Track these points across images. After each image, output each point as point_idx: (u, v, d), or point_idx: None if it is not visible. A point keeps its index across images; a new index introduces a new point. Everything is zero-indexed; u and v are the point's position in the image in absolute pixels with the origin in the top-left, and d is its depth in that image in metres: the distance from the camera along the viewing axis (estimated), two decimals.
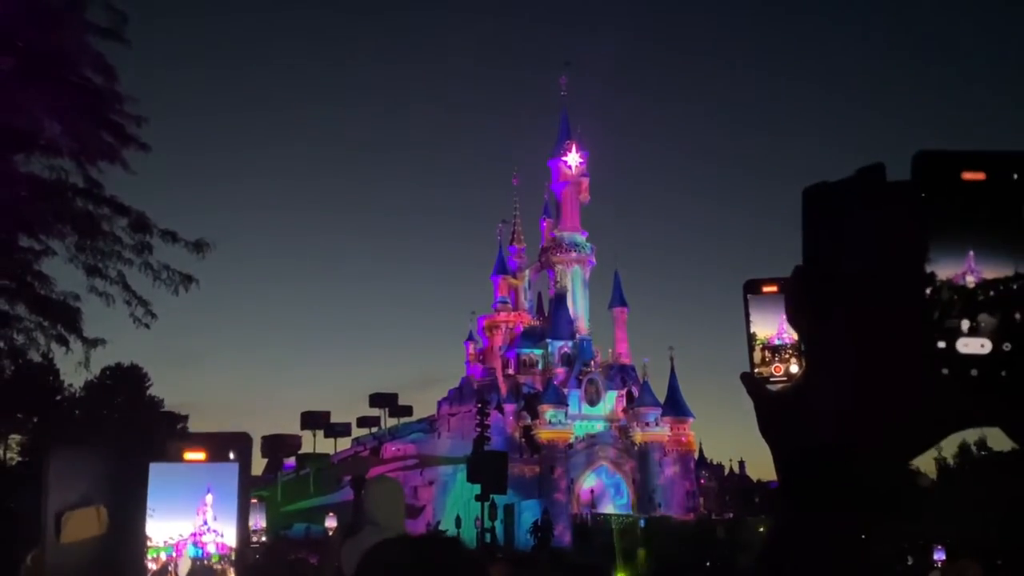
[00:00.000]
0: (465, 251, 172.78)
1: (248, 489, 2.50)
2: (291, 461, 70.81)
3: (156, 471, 2.49)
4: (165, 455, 2.55)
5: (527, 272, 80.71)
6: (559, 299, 73.95)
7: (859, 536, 0.78)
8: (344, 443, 71.14)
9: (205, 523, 2.44)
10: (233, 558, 2.32)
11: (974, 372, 0.71)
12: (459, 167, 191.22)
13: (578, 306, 74.88)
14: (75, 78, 14.18)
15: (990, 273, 0.72)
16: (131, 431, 46.55)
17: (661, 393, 71.65)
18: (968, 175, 0.73)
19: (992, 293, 0.72)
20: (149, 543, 2.41)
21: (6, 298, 14.39)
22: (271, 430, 66.68)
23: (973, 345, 0.71)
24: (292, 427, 69.63)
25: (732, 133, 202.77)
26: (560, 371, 70.98)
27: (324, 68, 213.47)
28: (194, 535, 2.47)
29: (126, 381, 52.62)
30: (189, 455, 2.54)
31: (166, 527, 2.44)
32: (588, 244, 76.83)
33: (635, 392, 71.86)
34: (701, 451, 76.42)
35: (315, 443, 69.29)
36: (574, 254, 75.53)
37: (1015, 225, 0.72)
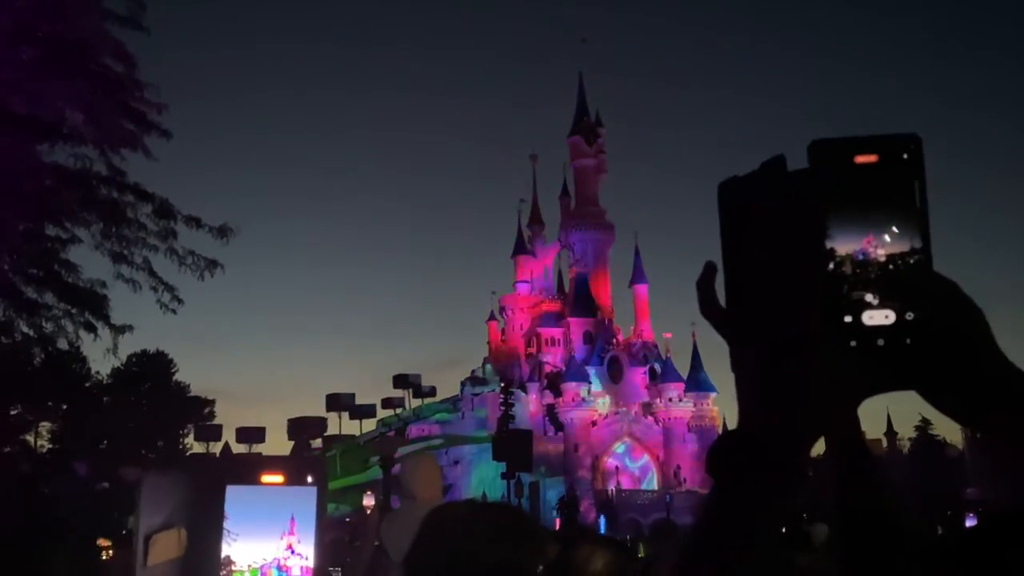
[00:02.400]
0: (486, 231, 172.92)
1: (325, 511, 2.56)
2: (318, 443, 71.45)
3: (234, 493, 2.54)
4: (242, 478, 2.60)
5: (547, 251, 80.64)
6: (580, 277, 73.90)
7: (765, 511, 0.80)
8: (369, 424, 71.67)
9: (290, 547, 2.49)
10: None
11: (880, 342, 0.76)
12: (477, 147, 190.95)
13: (599, 284, 74.78)
14: (95, 67, 14.26)
15: (889, 248, 0.76)
16: (162, 419, 47.11)
17: (684, 369, 71.63)
18: (861, 158, 0.78)
19: (891, 267, 0.76)
20: (233, 567, 2.46)
21: (34, 287, 14.54)
22: (296, 412, 67.06)
23: (878, 317, 0.76)
24: (317, 409, 70.13)
25: (753, 106, 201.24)
26: (582, 349, 71.04)
27: (344, 50, 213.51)
28: (278, 559, 2.51)
29: (153, 367, 53.18)
30: (267, 478, 2.59)
31: (250, 549, 2.49)
32: (608, 222, 76.62)
33: (658, 369, 71.85)
34: (725, 426, 76.38)
35: (340, 425, 69.87)
36: (593, 232, 75.35)
37: (908, 202, 0.77)
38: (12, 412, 37.93)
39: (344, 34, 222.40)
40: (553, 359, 70.98)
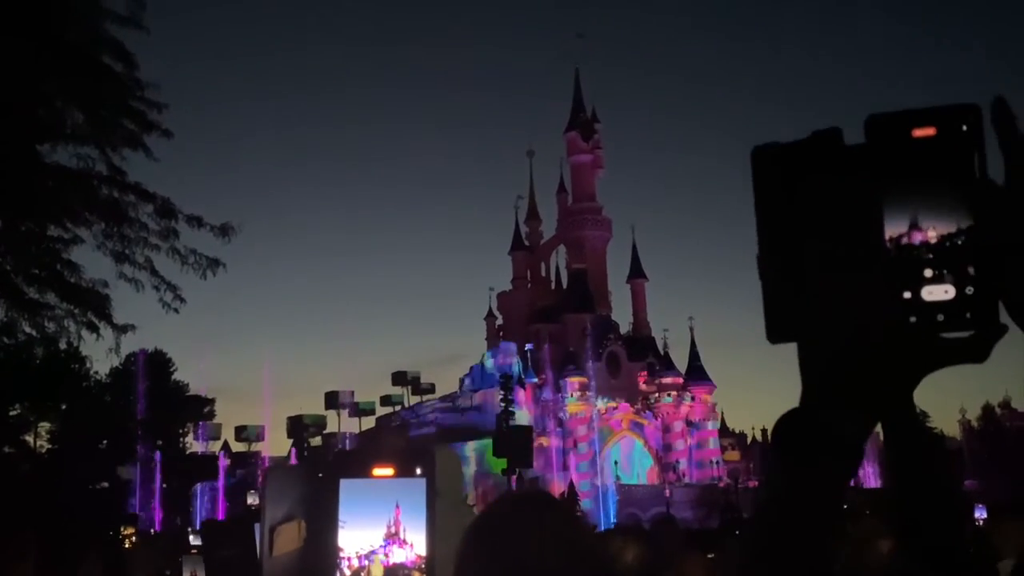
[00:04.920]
0: (482, 227, 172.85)
1: (435, 502, 2.63)
2: (317, 442, 71.35)
3: (347, 486, 2.63)
4: (355, 471, 2.68)
5: (544, 246, 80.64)
6: (577, 273, 73.92)
7: (837, 491, 0.82)
8: (368, 422, 71.63)
9: (395, 534, 2.56)
10: (423, 567, 2.45)
11: (940, 317, 0.76)
12: (474, 143, 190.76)
13: (597, 279, 74.82)
14: (95, 67, 14.26)
15: (947, 223, 0.76)
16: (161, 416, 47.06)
17: (682, 363, 71.69)
18: (918, 132, 0.77)
19: (950, 243, 0.76)
20: (341, 552, 2.55)
21: (36, 287, 14.56)
22: (295, 410, 66.98)
23: (937, 292, 0.76)
24: (316, 407, 70.04)
25: (751, 102, 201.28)
26: (580, 345, 71.09)
27: (342, 47, 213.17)
28: (384, 545, 2.58)
29: (151, 367, 53.17)
30: (378, 471, 2.66)
31: (357, 537, 2.58)
32: (605, 217, 76.62)
33: (656, 363, 71.92)
34: (723, 420, 76.50)
35: (339, 422, 69.77)
36: (591, 227, 75.37)
37: (968, 175, 0.76)
38: (12, 412, 37.91)
39: (342, 31, 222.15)
40: (551, 355, 71.00)
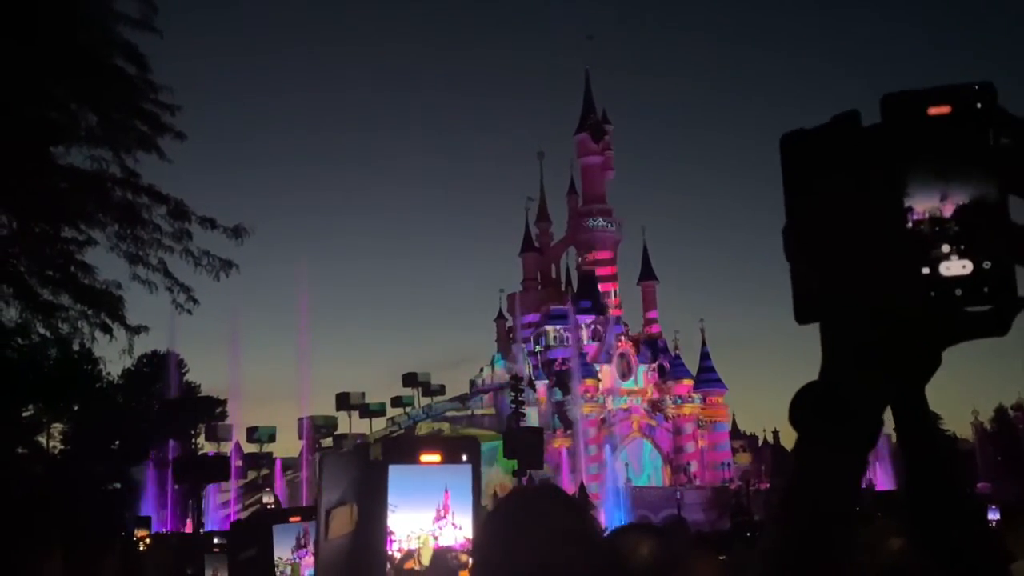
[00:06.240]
0: (493, 229, 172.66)
1: (480, 488, 2.73)
2: (328, 443, 71.55)
3: (395, 471, 2.71)
4: (403, 458, 2.77)
5: (555, 248, 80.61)
6: (588, 274, 73.87)
7: (854, 468, 0.83)
8: (379, 423, 71.77)
9: (444, 517, 2.65)
10: (471, 549, 2.53)
11: (958, 292, 0.77)
12: (485, 145, 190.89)
13: (607, 281, 74.76)
14: (109, 70, 14.35)
15: (964, 199, 0.77)
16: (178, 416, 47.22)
17: (693, 365, 71.57)
18: (934, 110, 0.79)
19: (967, 218, 0.77)
20: (392, 536, 2.64)
21: (50, 288, 14.65)
22: (307, 412, 67.12)
23: (955, 267, 0.77)
24: (327, 409, 70.24)
25: (762, 104, 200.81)
26: (591, 346, 71.03)
27: (352, 48, 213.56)
28: (434, 528, 2.67)
29: (163, 368, 53.32)
30: (425, 457, 2.74)
31: (408, 520, 2.67)
32: (615, 218, 76.57)
33: (667, 365, 71.81)
34: (734, 422, 76.36)
35: (351, 424, 69.94)
36: (601, 229, 75.32)
37: (983, 152, 0.78)
38: (25, 414, 38.05)
39: (352, 32, 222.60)
40: (562, 356, 70.97)
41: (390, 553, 2.68)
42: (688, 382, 70.11)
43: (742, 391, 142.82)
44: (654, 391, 71.08)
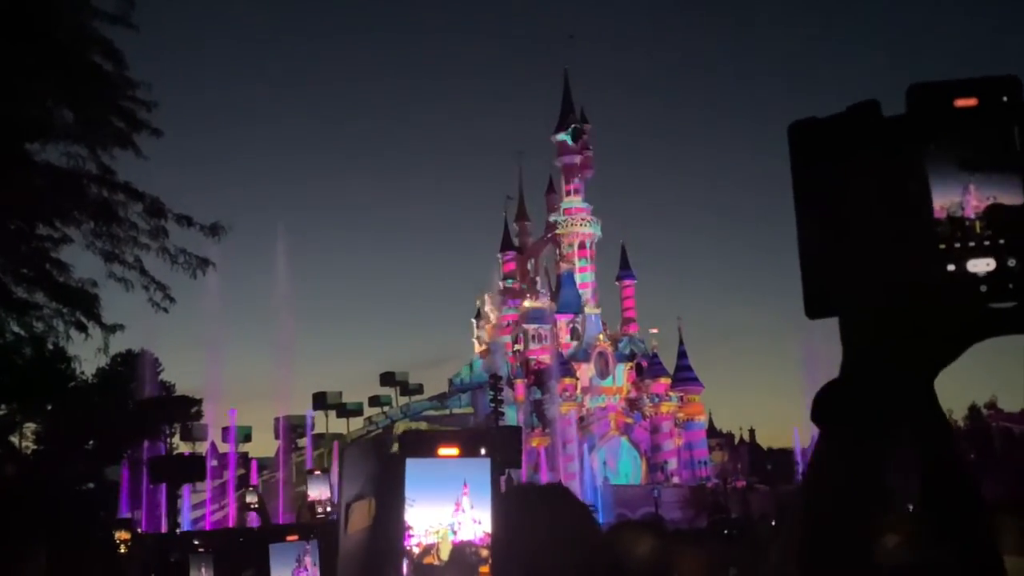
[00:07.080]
0: (471, 228, 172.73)
1: (499, 482, 2.73)
2: (304, 443, 71.18)
3: (412, 465, 2.70)
4: (421, 451, 2.76)
5: (533, 247, 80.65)
6: (566, 273, 73.96)
7: (878, 459, 0.83)
8: (356, 423, 71.49)
9: (463, 511, 2.64)
10: (490, 543, 2.52)
11: (983, 288, 0.77)
12: (463, 143, 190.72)
13: (585, 279, 74.88)
14: (84, 65, 14.19)
15: (989, 195, 0.76)
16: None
17: (670, 364, 71.82)
18: (960, 102, 0.78)
19: (993, 214, 0.76)
20: (411, 531, 2.63)
21: (25, 286, 14.47)
22: (283, 412, 66.75)
23: (980, 264, 0.77)
24: (304, 408, 69.86)
25: (740, 102, 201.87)
26: (569, 345, 71.12)
27: (330, 46, 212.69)
28: (452, 523, 2.66)
29: (137, 367, 52.86)
30: (443, 451, 2.74)
31: (426, 515, 2.66)
32: (593, 217, 76.70)
33: (644, 364, 72.03)
34: (711, 420, 76.71)
35: (327, 423, 69.63)
36: (579, 227, 75.43)
37: (1009, 146, 0.77)
38: None
39: (331, 30, 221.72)
40: (540, 355, 71.03)
41: (408, 548, 2.67)
42: (665, 381, 70.35)
43: (719, 390, 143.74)
44: (632, 389, 71.28)
